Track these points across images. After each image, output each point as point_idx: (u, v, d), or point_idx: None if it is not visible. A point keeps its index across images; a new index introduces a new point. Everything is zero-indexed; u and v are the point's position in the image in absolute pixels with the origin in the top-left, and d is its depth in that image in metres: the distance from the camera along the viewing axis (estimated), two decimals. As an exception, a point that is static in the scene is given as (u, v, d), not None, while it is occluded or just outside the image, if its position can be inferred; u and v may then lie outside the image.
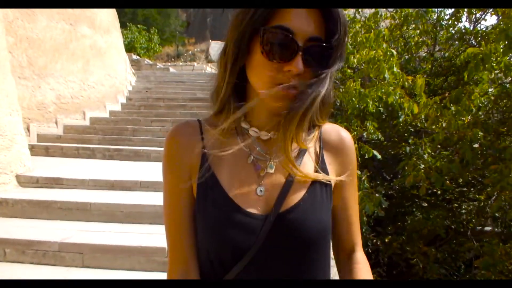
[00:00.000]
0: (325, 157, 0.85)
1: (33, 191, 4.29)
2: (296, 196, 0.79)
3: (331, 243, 0.88)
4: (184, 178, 0.82)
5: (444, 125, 4.04)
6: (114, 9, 10.08)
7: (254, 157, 0.82)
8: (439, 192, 5.07)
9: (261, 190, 0.80)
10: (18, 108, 4.82)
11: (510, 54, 3.60)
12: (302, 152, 0.82)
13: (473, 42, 5.68)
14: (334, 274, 1.02)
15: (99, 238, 3.30)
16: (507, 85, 3.99)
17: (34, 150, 5.73)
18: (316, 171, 0.82)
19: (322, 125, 0.86)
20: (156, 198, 3.91)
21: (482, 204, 4.75)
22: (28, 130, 6.43)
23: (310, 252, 0.80)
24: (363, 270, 0.86)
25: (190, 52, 25.97)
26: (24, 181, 4.50)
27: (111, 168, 5.48)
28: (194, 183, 0.82)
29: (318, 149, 0.86)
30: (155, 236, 3.36)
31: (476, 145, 3.84)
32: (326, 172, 0.83)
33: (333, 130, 0.89)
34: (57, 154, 6.28)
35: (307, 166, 0.82)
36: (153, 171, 5.03)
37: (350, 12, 7.47)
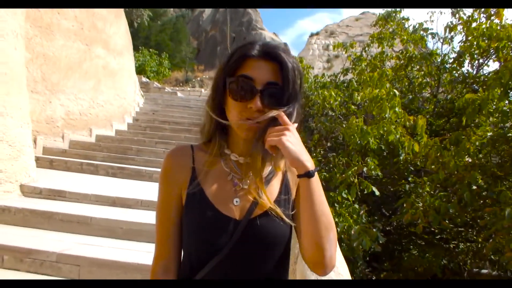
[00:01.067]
0: (288, 176, 1.08)
1: (36, 201, 4.34)
2: (264, 206, 1.00)
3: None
4: (174, 189, 1.04)
5: (444, 165, 4.11)
6: (129, 33, 10.41)
7: (233, 175, 1.05)
8: (436, 231, 5.07)
9: (237, 201, 1.02)
10: (29, 121, 4.95)
11: (506, 101, 3.71)
12: (271, 173, 1.05)
13: (475, 86, 5.83)
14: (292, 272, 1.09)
15: (97, 252, 3.34)
16: (505, 130, 4.07)
17: (38, 162, 5.80)
18: (280, 189, 1.05)
19: None
20: (156, 217, 3.95)
21: (479, 245, 4.73)
22: (35, 142, 6.53)
23: (274, 252, 1.00)
24: None
25: (198, 79, 26.47)
26: (28, 191, 4.57)
27: (114, 185, 5.55)
28: (183, 194, 1.04)
29: (284, 171, 1.09)
30: (152, 255, 3.38)
31: (474, 187, 3.90)
32: (288, 187, 1.06)
33: None
34: (61, 167, 6.36)
35: (274, 186, 1.05)
36: (155, 191, 5.04)
37: (357, 50, 7.71)
